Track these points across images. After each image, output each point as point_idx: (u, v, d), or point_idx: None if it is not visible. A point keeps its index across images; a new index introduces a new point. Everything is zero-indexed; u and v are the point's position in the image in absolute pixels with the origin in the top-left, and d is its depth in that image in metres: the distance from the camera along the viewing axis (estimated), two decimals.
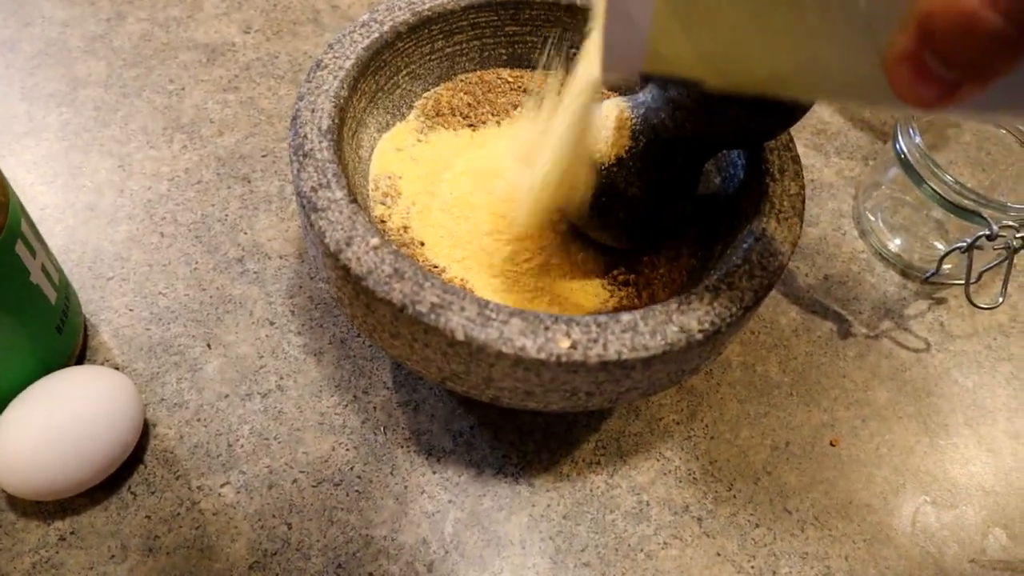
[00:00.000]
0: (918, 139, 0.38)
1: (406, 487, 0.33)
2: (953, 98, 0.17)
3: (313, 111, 0.31)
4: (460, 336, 0.26)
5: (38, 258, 0.30)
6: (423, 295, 0.27)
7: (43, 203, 0.39)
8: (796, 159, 0.33)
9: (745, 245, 0.30)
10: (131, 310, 0.36)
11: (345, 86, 0.32)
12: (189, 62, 0.45)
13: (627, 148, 0.31)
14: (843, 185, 0.46)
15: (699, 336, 0.27)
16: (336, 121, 0.31)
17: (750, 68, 0.21)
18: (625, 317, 0.27)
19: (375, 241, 0.28)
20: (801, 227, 0.31)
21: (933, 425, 0.38)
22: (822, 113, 0.50)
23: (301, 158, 0.29)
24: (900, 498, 0.35)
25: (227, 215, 0.40)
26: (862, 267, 0.43)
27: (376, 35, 0.34)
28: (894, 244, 0.43)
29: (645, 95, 0.32)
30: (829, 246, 0.43)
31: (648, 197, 0.32)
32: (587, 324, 0.27)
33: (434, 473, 0.34)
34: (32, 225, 0.30)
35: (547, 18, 0.37)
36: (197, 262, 0.38)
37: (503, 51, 0.38)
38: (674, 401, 0.37)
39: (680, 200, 0.32)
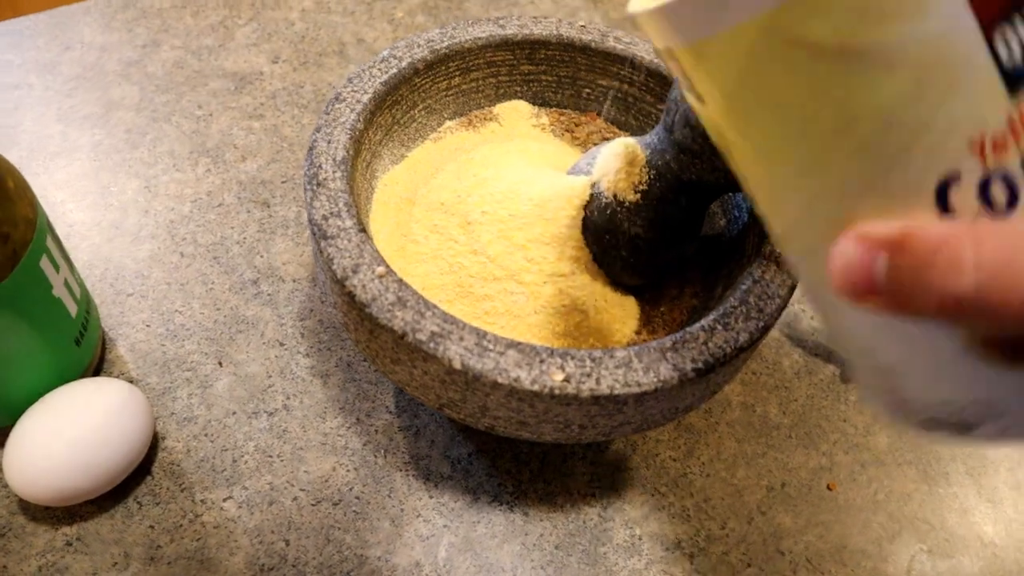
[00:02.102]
0: None
1: (402, 510, 0.34)
2: (869, 301, 0.17)
3: (329, 142, 0.32)
4: (457, 365, 0.27)
5: (61, 273, 0.31)
6: (423, 324, 0.28)
7: (72, 220, 0.41)
8: None
9: (743, 287, 0.31)
10: (148, 326, 0.38)
11: (361, 119, 0.33)
12: (218, 90, 0.47)
13: (634, 187, 0.32)
14: None
15: (692, 374, 0.28)
16: (351, 152, 0.32)
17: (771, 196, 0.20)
18: (619, 353, 0.28)
19: (380, 270, 0.29)
20: None
21: (933, 473, 0.38)
22: None
23: (315, 187, 0.31)
24: (896, 545, 0.35)
25: (245, 238, 0.41)
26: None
27: (395, 71, 0.35)
28: None
29: (651, 136, 0.33)
30: None
31: (651, 237, 0.32)
32: (582, 358, 0.28)
33: (431, 497, 0.34)
34: (58, 241, 0.32)
35: (562, 58, 0.39)
36: (214, 282, 0.39)
37: (518, 88, 0.40)
38: (672, 437, 0.37)
39: (682, 241, 0.33)
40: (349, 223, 0.30)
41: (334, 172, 0.31)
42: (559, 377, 0.27)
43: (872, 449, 0.38)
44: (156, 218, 0.41)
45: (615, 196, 0.32)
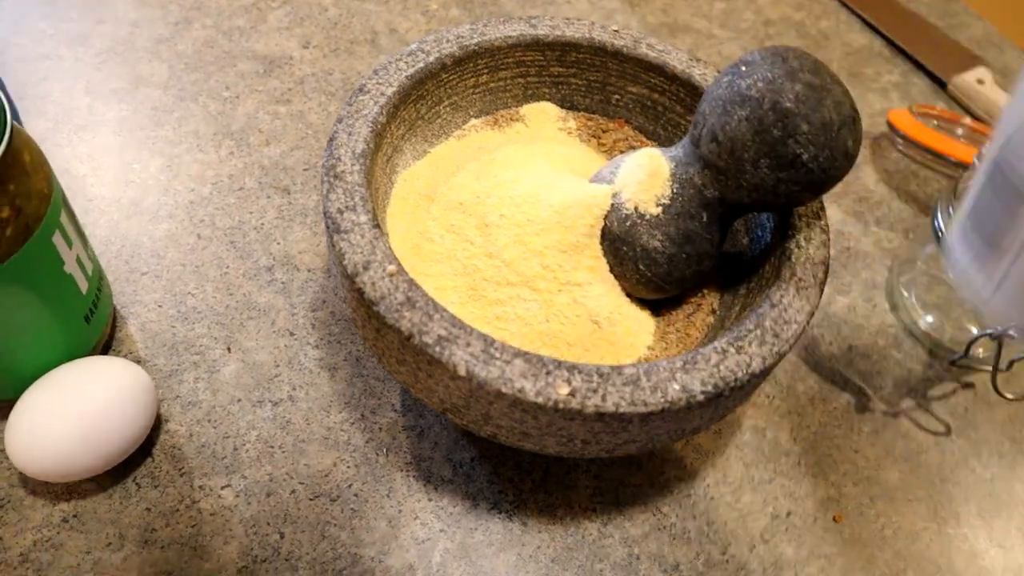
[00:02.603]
0: None
1: (400, 511, 0.34)
2: None
3: (350, 134, 0.32)
4: (462, 371, 0.26)
5: (74, 249, 0.31)
6: (431, 326, 0.27)
7: (92, 194, 0.41)
8: (825, 228, 0.33)
9: (760, 310, 0.30)
10: (160, 306, 0.38)
11: (384, 112, 0.33)
12: (247, 72, 0.47)
13: (656, 199, 0.32)
14: (879, 256, 0.45)
15: (700, 397, 0.27)
16: (371, 146, 0.32)
17: None
18: (628, 370, 0.27)
19: (392, 268, 0.28)
20: (820, 297, 0.31)
21: (944, 513, 0.37)
22: (867, 181, 0.49)
23: (332, 179, 0.30)
24: None
25: (263, 223, 0.41)
26: (889, 342, 0.42)
27: (421, 64, 0.35)
28: (925, 322, 0.42)
29: (677, 149, 0.32)
30: (858, 317, 0.43)
31: (669, 252, 0.32)
32: (589, 373, 0.27)
33: (430, 500, 0.34)
34: (72, 216, 0.32)
35: (593, 62, 0.38)
36: (228, 267, 0.39)
37: (546, 90, 0.39)
38: (678, 456, 0.37)
39: (702, 258, 0.32)
40: (364, 218, 0.29)
41: (352, 165, 0.31)
42: (564, 391, 0.26)
43: (883, 483, 0.37)
44: (176, 198, 0.41)
45: (636, 208, 0.32)
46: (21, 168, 0.28)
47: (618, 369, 0.27)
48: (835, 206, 0.47)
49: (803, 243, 0.32)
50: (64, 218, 0.30)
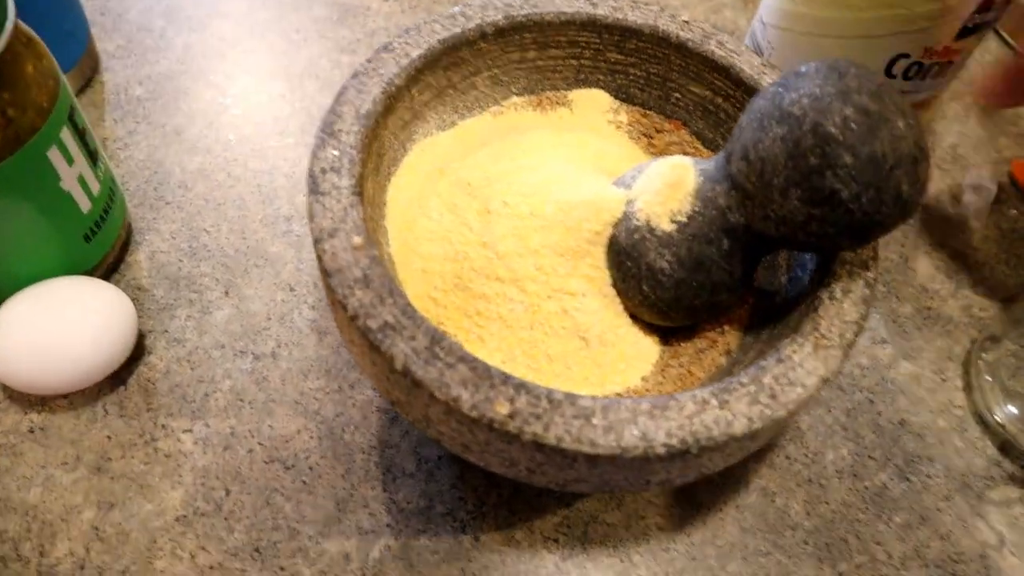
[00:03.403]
0: None
1: (351, 495, 0.32)
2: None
3: (360, 92, 0.30)
4: (398, 366, 0.24)
5: (75, 167, 0.31)
6: (379, 310, 0.25)
7: (140, 116, 0.41)
8: (871, 282, 0.28)
9: (763, 363, 0.26)
10: (173, 238, 0.37)
11: (403, 74, 0.30)
12: (320, 16, 0.46)
13: (671, 215, 0.28)
14: (965, 324, 0.39)
15: (661, 450, 0.23)
16: (379, 107, 0.29)
17: None
18: (583, 401, 0.24)
19: (357, 240, 0.26)
20: (842, 362, 0.26)
21: None
22: (972, 235, 0.42)
23: (326, 136, 0.28)
24: None
25: (295, 172, 0.40)
26: (952, 425, 0.36)
27: (459, 30, 0.32)
28: (1003, 412, 0.36)
29: (709, 163, 0.28)
30: (920, 389, 0.37)
31: (677, 275, 0.28)
32: (538, 395, 0.24)
33: (384, 491, 0.32)
34: (82, 134, 0.31)
35: (654, 53, 0.34)
36: (249, 210, 0.38)
37: (601, 77, 0.35)
38: (665, 503, 0.33)
39: (716, 290, 0.28)
40: (345, 182, 0.27)
41: (352, 125, 0.29)
42: (503, 410, 0.23)
43: None
44: (218, 132, 0.41)
45: (647, 221, 0.28)
46: (21, 78, 0.28)
47: (572, 398, 0.24)
48: (926, 257, 0.41)
49: (838, 295, 0.27)
50: (67, 135, 0.30)
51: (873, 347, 0.38)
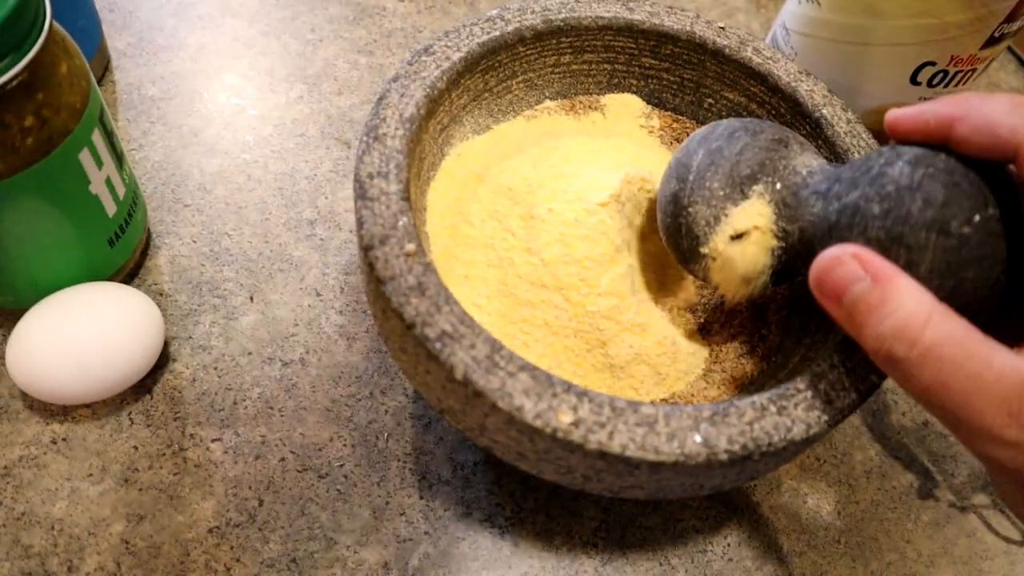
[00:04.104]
0: None
1: (387, 503, 0.31)
2: (829, 303, 0.23)
3: (402, 95, 0.29)
4: (459, 375, 0.24)
5: (104, 170, 0.30)
6: (437, 319, 0.24)
7: (155, 117, 0.40)
8: None
9: (817, 370, 0.26)
10: (194, 242, 0.36)
11: (445, 78, 0.30)
12: (336, 16, 0.45)
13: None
14: None
15: (723, 456, 0.24)
16: (422, 112, 0.29)
17: None
18: (646, 409, 0.24)
19: (411, 247, 0.26)
20: None
21: None
22: None
23: (371, 140, 0.28)
24: None
25: (316, 175, 0.39)
26: None
27: (497, 33, 0.32)
28: None
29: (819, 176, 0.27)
30: None
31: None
32: (600, 404, 0.24)
33: (421, 498, 0.32)
34: (111, 137, 0.31)
35: (689, 59, 0.34)
36: (271, 213, 0.38)
37: (634, 82, 0.35)
38: (701, 506, 0.33)
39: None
40: (394, 188, 0.27)
41: (396, 129, 0.28)
42: (567, 419, 0.23)
43: None
44: (235, 134, 0.40)
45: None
46: (55, 79, 0.27)
47: (635, 406, 0.24)
48: None
49: None
50: (97, 137, 0.29)
51: None
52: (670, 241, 0.29)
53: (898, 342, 0.21)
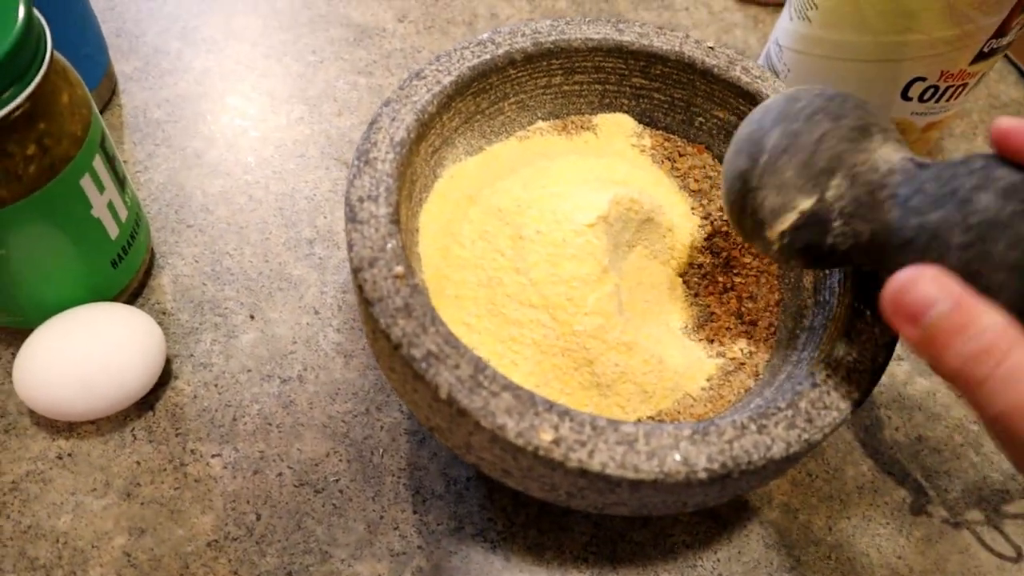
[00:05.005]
0: None
1: (382, 517, 0.32)
2: (903, 327, 0.22)
3: (393, 119, 0.30)
4: (443, 394, 0.24)
5: (105, 194, 0.31)
6: (422, 339, 0.25)
7: (159, 139, 0.41)
8: None
9: (799, 387, 0.26)
10: (196, 262, 0.37)
11: (436, 101, 0.31)
12: (336, 38, 0.46)
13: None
14: None
15: (703, 475, 0.24)
16: (412, 135, 0.30)
17: None
18: (626, 428, 0.24)
19: (399, 269, 0.26)
20: (874, 385, 0.27)
21: None
22: None
23: (361, 164, 0.29)
24: None
25: (315, 195, 0.40)
26: (968, 440, 0.37)
27: (488, 56, 0.32)
28: None
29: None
30: (936, 405, 0.38)
31: None
32: (581, 423, 0.24)
33: (414, 513, 0.32)
34: (112, 162, 0.31)
35: (679, 79, 0.35)
36: (271, 233, 0.39)
37: (625, 101, 0.36)
38: (691, 521, 0.33)
39: None
40: (383, 211, 0.28)
41: (387, 153, 0.29)
42: (548, 437, 0.24)
43: None
44: (237, 155, 0.41)
45: None
46: (56, 108, 0.28)
47: (615, 424, 0.24)
48: None
49: (871, 319, 0.28)
50: (99, 162, 0.30)
51: (890, 364, 0.39)
52: (732, 217, 0.28)
53: (981, 363, 0.20)
